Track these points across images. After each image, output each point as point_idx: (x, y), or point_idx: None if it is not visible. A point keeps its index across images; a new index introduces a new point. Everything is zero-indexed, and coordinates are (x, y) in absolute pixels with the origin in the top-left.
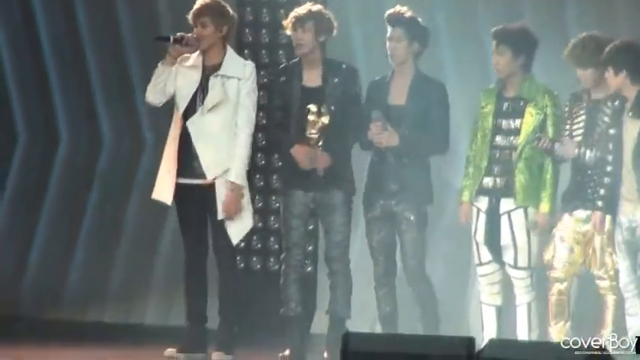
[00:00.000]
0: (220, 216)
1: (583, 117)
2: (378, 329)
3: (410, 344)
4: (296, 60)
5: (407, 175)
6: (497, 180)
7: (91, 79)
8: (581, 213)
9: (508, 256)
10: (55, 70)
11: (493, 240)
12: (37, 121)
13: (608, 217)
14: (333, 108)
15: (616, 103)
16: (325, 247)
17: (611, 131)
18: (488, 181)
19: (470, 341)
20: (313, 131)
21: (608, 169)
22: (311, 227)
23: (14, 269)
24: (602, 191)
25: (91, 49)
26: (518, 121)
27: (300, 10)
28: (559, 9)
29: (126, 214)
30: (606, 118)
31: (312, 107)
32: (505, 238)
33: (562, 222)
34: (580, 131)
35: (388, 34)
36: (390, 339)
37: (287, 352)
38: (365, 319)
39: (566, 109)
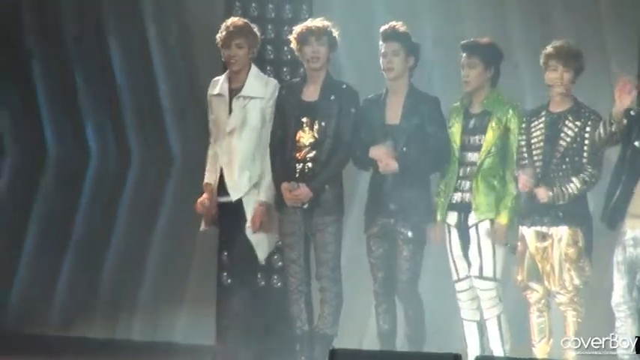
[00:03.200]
0: (249, 232)
1: (542, 131)
2: (365, 345)
3: None
4: (300, 77)
5: (406, 192)
6: (466, 195)
7: (121, 98)
8: (540, 228)
9: (474, 267)
10: (84, 86)
11: (467, 255)
12: (66, 137)
13: (568, 232)
14: (323, 124)
15: (590, 118)
16: (315, 265)
17: (586, 147)
18: (456, 197)
19: (456, 357)
20: (304, 144)
21: (585, 177)
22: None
23: None
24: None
25: (121, 65)
26: (483, 137)
27: (315, 24)
28: (544, 23)
29: (113, 230)
30: (570, 132)
31: (305, 120)
32: (472, 250)
33: (524, 238)
34: (539, 145)
35: (382, 50)
36: (376, 355)
37: None
38: (352, 335)
39: (524, 124)
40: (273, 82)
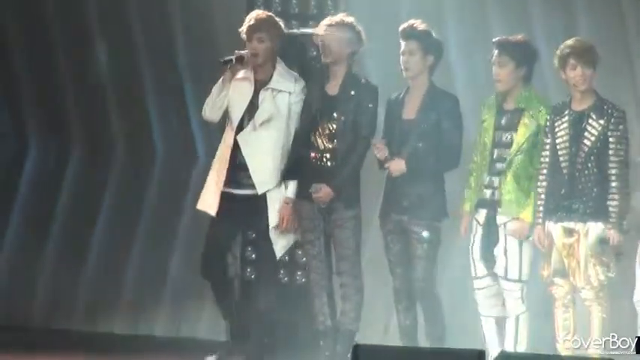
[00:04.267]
0: (273, 230)
1: (567, 130)
2: (388, 341)
3: (420, 357)
4: (323, 69)
5: (419, 190)
6: (495, 193)
7: (145, 92)
8: (566, 224)
9: (499, 267)
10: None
11: (489, 253)
12: (93, 133)
13: (595, 228)
14: (343, 118)
15: (612, 115)
16: (335, 260)
17: (612, 144)
18: (486, 194)
19: (480, 354)
20: (322, 139)
21: (612, 182)
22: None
23: (25, 280)
24: (616, 207)
25: (145, 62)
26: (515, 134)
27: (332, 19)
28: (569, 21)
29: (138, 224)
30: (594, 131)
31: (324, 113)
32: (498, 250)
33: (551, 234)
34: (564, 145)
35: (402, 48)
36: (400, 352)
37: None
38: (375, 330)
39: (547, 122)
40: (302, 82)
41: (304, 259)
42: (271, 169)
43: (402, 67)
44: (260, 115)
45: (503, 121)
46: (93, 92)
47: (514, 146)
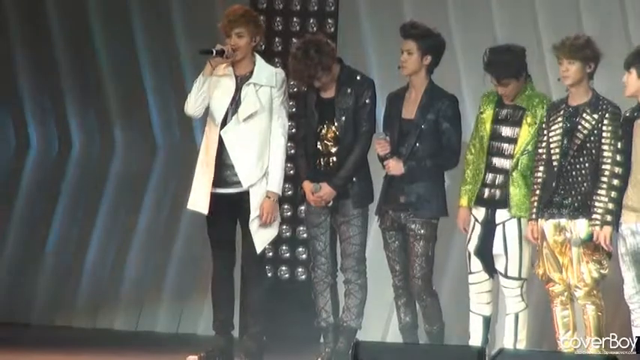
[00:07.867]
0: (254, 223)
1: (560, 124)
2: (389, 339)
3: (420, 354)
4: None
5: (416, 189)
6: (494, 191)
7: (104, 85)
8: (557, 221)
9: (500, 265)
10: (69, 75)
11: (485, 250)
12: (49, 128)
13: (586, 225)
14: (343, 118)
15: (607, 111)
16: (341, 257)
17: (605, 140)
18: (485, 191)
19: (480, 351)
20: (328, 143)
21: (604, 179)
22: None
23: (26, 277)
24: (605, 204)
25: (104, 56)
26: (516, 130)
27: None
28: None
29: (137, 221)
30: (587, 125)
31: (326, 116)
32: (498, 248)
33: (543, 231)
34: (557, 138)
35: (401, 46)
36: (400, 348)
37: None
38: (376, 328)
39: (544, 118)
40: (282, 72)
41: (304, 255)
42: (254, 163)
43: (399, 65)
44: (244, 110)
45: (502, 115)
46: (49, 87)
47: (518, 146)
